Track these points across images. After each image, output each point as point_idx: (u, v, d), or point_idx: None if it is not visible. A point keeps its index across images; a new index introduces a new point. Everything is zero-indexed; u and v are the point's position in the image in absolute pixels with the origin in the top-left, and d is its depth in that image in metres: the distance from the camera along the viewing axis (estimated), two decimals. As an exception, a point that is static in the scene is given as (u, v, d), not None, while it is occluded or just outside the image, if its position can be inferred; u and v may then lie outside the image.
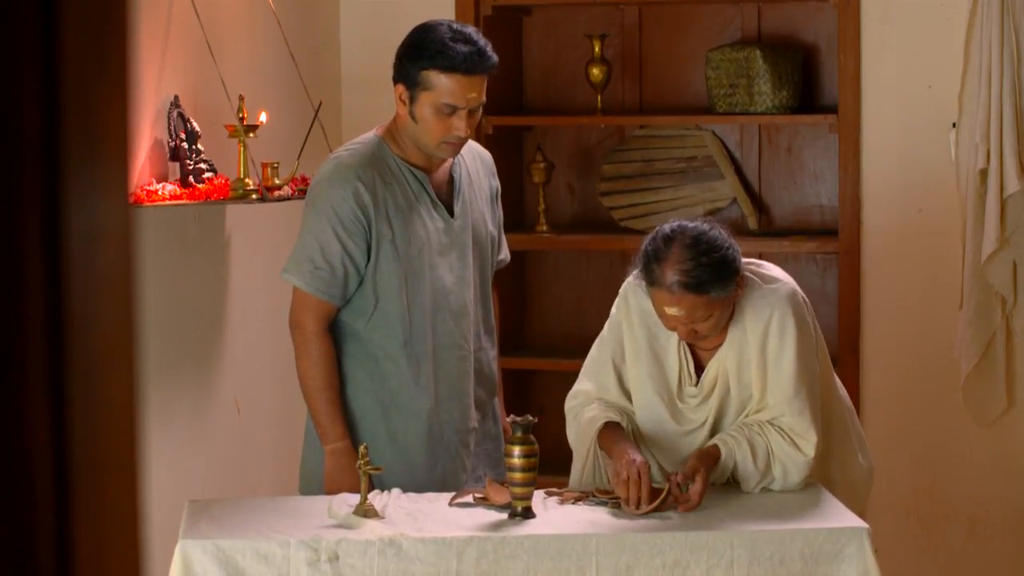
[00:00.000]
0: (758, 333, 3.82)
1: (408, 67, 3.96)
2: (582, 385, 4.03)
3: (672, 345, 3.90)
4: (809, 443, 3.81)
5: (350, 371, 4.05)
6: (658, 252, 3.71)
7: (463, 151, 4.12)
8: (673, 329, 3.78)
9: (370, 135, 4.09)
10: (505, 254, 4.31)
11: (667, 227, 3.76)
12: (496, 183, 4.29)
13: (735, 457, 3.82)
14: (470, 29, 4.00)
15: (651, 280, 3.71)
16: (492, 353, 4.25)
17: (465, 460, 4.15)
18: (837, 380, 4.15)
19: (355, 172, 3.97)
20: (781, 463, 3.82)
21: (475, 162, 4.21)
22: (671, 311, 3.71)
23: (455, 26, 3.99)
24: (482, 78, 3.97)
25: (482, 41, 3.97)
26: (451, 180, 4.12)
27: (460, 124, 3.95)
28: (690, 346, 3.91)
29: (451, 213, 4.09)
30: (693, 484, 3.72)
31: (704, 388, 3.89)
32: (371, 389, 4.05)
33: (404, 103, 3.99)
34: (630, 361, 3.94)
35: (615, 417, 3.91)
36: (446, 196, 4.10)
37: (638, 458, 3.75)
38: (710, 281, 3.67)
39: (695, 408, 3.91)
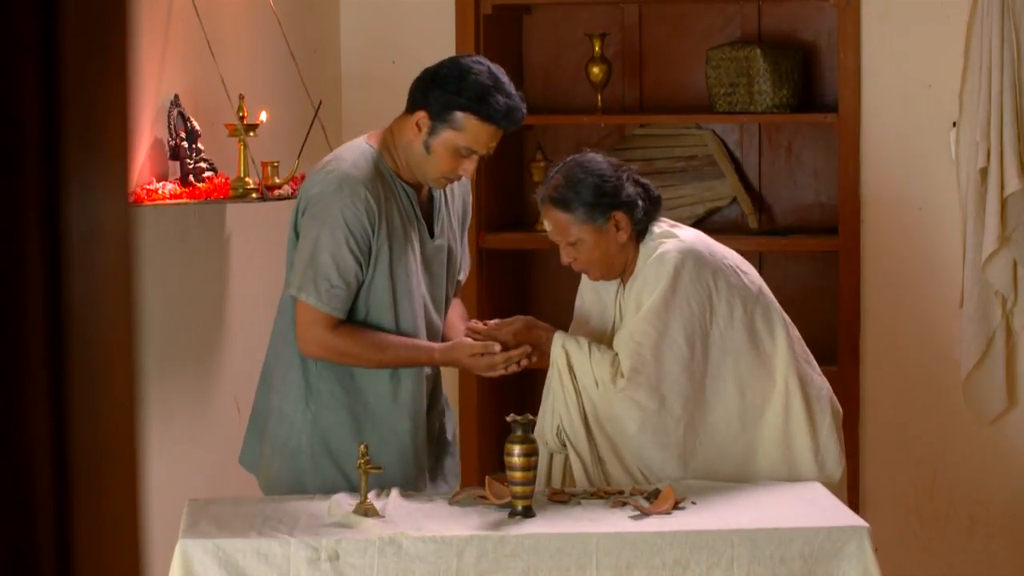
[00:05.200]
0: (640, 287, 3.96)
1: (441, 100, 3.84)
2: None
3: (610, 299, 4.08)
4: (623, 383, 3.89)
5: (325, 385, 3.98)
6: (549, 174, 4.04)
7: None
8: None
9: (363, 145, 3.97)
10: (465, 274, 4.24)
11: (572, 156, 4.05)
12: (469, 200, 4.21)
13: (567, 339, 3.97)
14: (505, 78, 3.89)
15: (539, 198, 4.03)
16: None
17: (434, 468, 4.12)
18: (816, 378, 4.08)
19: (364, 185, 3.86)
20: (605, 385, 3.93)
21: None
22: (544, 224, 4.02)
23: (493, 69, 3.87)
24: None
25: (516, 93, 3.89)
26: (431, 198, 4.05)
27: (470, 167, 3.88)
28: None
29: (431, 231, 4.02)
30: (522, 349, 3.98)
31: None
32: (347, 403, 3.98)
33: (420, 130, 3.87)
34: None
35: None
36: (426, 214, 4.03)
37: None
38: (572, 200, 3.92)
39: None
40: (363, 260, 3.89)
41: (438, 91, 3.86)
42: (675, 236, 3.99)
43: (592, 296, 4.13)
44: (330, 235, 3.86)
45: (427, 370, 4.07)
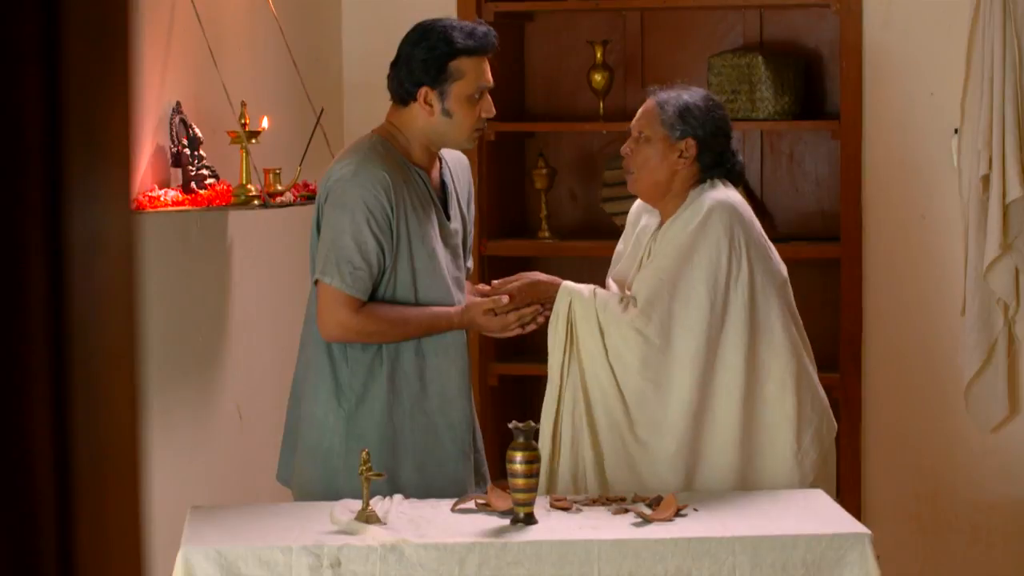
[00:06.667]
0: (675, 229, 4.06)
1: (429, 67, 3.98)
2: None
3: (644, 241, 4.17)
4: (635, 312, 3.98)
5: (357, 380, 3.99)
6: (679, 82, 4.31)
7: (444, 152, 4.13)
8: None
9: (372, 137, 4.05)
10: (470, 262, 4.29)
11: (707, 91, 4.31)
12: (471, 182, 4.29)
13: (572, 289, 4.06)
14: (455, 19, 4.13)
15: None
16: None
17: (471, 459, 4.12)
18: (815, 385, 4.10)
19: (381, 168, 3.93)
20: (610, 323, 4.01)
21: (457, 165, 4.20)
22: (638, 113, 4.20)
23: (442, 19, 4.07)
24: None
25: (476, 20, 4.12)
26: (442, 183, 4.12)
27: (488, 105, 4.03)
28: None
29: (447, 215, 4.09)
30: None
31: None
32: (380, 396, 3.99)
33: (431, 105, 3.99)
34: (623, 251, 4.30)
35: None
36: (440, 198, 4.10)
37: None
38: (671, 104, 4.14)
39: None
40: (385, 242, 3.94)
41: (419, 62, 3.99)
42: (722, 191, 4.09)
43: (634, 237, 4.21)
44: (351, 219, 3.93)
45: (463, 339, 4.10)
